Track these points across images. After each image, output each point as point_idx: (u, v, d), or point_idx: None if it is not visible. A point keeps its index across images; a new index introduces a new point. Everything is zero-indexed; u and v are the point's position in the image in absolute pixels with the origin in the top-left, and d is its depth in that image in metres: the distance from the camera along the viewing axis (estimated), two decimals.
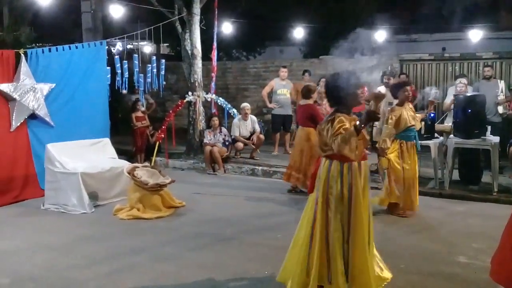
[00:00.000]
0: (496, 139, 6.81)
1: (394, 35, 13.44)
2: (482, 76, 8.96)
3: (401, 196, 5.70)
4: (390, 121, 5.64)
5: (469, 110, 6.68)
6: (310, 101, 6.96)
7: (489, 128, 7.00)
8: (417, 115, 5.96)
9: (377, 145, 5.79)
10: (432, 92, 7.58)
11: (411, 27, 14.63)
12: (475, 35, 10.87)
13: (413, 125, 5.74)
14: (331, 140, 3.20)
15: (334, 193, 3.30)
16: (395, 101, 7.46)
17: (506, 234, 1.12)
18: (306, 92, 6.95)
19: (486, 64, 9.37)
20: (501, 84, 8.39)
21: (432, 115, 7.07)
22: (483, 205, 6.38)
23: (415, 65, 11.01)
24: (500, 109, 8.14)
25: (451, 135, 7.09)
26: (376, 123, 7.52)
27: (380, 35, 11.88)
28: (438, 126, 7.45)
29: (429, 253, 4.59)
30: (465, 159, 7.20)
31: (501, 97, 8.16)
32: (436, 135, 7.15)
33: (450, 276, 4.08)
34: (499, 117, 8.15)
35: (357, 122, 3.15)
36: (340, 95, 3.36)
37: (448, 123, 7.74)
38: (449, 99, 8.09)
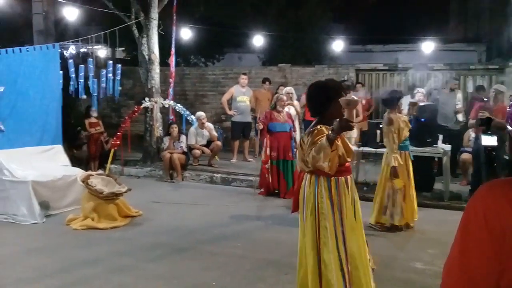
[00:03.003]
0: (448, 147, 7.07)
1: (350, 45, 13.76)
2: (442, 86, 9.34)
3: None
4: (394, 135, 5.30)
5: (422, 119, 6.90)
6: None
7: (440, 136, 7.25)
8: (405, 117, 5.74)
9: (391, 164, 5.33)
10: (415, 93, 7.77)
11: (366, 38, 15.03)
12: (427, 46, 11.28)
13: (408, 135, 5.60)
14: (307, 153, 3.01)
15: (322, 212, 3.06)
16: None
17: (454, 243, 1.15)
18: None
19: (454, 77, 9.76)
20: (459, 95, 8.80)
21: None
22: (436, 211, 6.58)
23: (370, 74, 11.31)
24: (460, 117, 8.55)
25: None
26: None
27: (337, 45, 12.13)
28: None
29: (385, 260, 4.66)
30: (418, 167, 7.41)
31: (459, 106, 8.57)
32: None
33: (406, 282, 4.16)
34: (457, 125, 8.53)
35: (329, 132, 2.93)
36: (321, 105, 3.17)
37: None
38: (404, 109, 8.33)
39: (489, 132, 5.37)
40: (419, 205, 6.29)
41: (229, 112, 9.87)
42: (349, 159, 3.16)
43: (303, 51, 14.62)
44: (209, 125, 9.51)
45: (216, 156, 9.38)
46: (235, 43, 15.79)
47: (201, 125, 9.31)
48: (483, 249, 1.06)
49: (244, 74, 10.10)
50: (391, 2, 16.94)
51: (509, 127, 5.63)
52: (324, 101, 3.15)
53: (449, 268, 1.14)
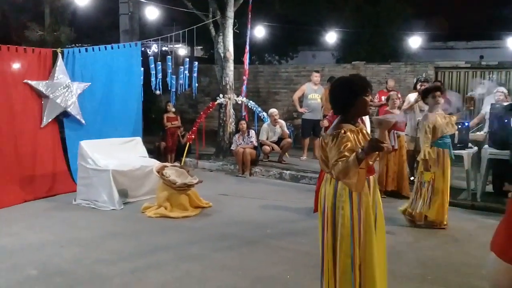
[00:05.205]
0: None
1: (429, 42, 13.19)
2: None
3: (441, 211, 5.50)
4: (427, 129, 5.39)
5: (506, 120, 6.48)
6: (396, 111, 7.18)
7: None
8: (452, 117, 5.66)
9: (419, 158, 5.53)
10: (495, 92, 7.39)
11: (448, 34, 14.33)
12: None
13: (448, 132, 5.51)
14: (332, 163, 2.86)
15: (342, 213, 2.93)
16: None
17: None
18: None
19: None
20: None
21: (466, 124, 6.89)
22: None
23: (450, 72, 10.78)
24: None
25: (486, 145, 6.89)
26: (406, 131, 7.38)
27: (415, 41, 11.69)
28: (472, 135, 7.25)
29: (458, 266, 4.48)
30: (500, 171, 6.97)
31: None
32: (470, 144, 6.95)
33: None
34: None
35: (359, 151, 2.76)
36: (346, 102, 2.98)
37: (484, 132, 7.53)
38: (486, 109, 7.86)
39: None
40: (498, 210, 5.97)
41: (300, 110, 9.86)
42: (371, 162, 2.99)
43: (379, 48, 14.25)
44: (281, 122, 9.59)
45: (286, 153, 9.43)
46: (309, 40, 15.75)
47: (274, 122, 9.41)
48: None
49: (316, 71, 10.03)
50: None
51: None
52: (349, 98, 2.95)
53: (499, 225, 1.38)
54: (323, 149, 3.03)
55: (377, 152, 2.96)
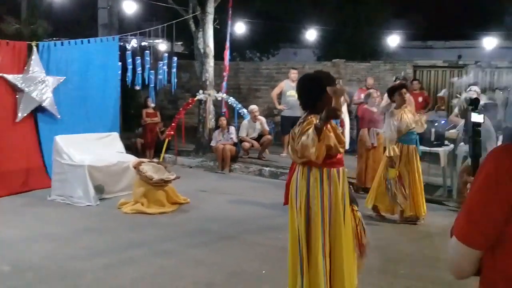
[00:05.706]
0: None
1: (409, 41, 13.34)
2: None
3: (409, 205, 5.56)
4: (392, 126, 5.46)
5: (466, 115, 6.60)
6: (375, 109, 7.17)
7: (500, 137, 6.87)
8: (422, 117, 5.77)
9: (386, 154, 5.57)
10: (468, 91, 7.53)
11: (426, 33, 14.50)
12: (490, 42, 10.70)
13: (414, 128, 5.59)
14: (296, 143, 3.00)
15: (315, 203, 3.02)
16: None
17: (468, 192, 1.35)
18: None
19: None
20: None
21: (443, 121, 6.98)
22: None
23: (428, 71, 10.91)
24: None
25: (461, 143, 6.99)
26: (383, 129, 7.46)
27: (394, 40, 11.81)
28: (446, 133, 7.35)
29: (431, 260, 4.54)
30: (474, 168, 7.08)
31: None
32: (446, 142, 7.05)
33: (450, 283, 4.00)
34: None
35: (317, 121, 2.93)
36: (315, 96, 3.12)
37: (460, 130, 7.64)
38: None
39: (477, 111, 5.64)
40: None
41: (278, 107, 9.85)
42: (341, 150, 3.11)
43: (359, 47, 14.35)
44: (262, 118, 9.58)
45: (266, 150, 9.44)
46: (290, 38, 15.75)
47: (254, 118, 9.40)
48: (488, 198, 1.27)
49: (294, 68, 10.02)
50: None
51: None
52: (318, 92, 3.10)
53: (459, 212, 1.38)
54: (293, 140, 3.13)
55: (344, 141, 3.13)
